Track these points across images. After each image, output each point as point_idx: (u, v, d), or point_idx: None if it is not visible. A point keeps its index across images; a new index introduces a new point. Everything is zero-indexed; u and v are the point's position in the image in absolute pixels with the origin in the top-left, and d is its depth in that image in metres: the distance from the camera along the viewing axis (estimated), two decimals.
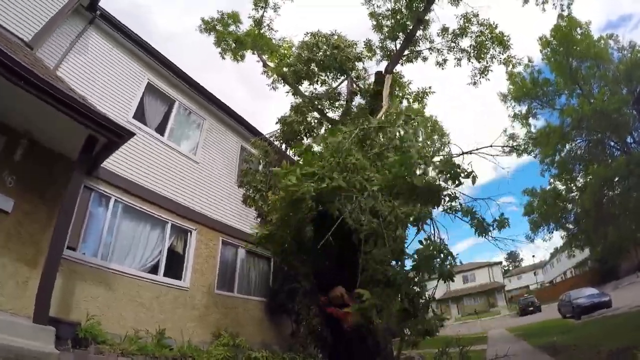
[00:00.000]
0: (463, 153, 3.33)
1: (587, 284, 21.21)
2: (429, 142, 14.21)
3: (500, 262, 54.69)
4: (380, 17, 11.28)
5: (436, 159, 12.03)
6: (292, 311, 8.96)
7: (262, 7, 11.83)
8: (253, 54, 11.99)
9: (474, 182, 3.66)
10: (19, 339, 3.38)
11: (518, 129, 19.36)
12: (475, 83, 12.00)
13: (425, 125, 14.22)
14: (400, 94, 13.13)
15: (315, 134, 7.92)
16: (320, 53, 8.87)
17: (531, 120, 19.10)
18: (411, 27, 10.69)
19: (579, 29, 16.38)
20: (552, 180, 19.04)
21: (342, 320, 2.64)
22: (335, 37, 9.29)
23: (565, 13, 11.53)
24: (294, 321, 9.07)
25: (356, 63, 9.68)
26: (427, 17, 10.86)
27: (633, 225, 14.22)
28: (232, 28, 11.97)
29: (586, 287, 17.34)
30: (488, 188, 16.19)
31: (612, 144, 17.14)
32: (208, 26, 12.00)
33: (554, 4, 11.39)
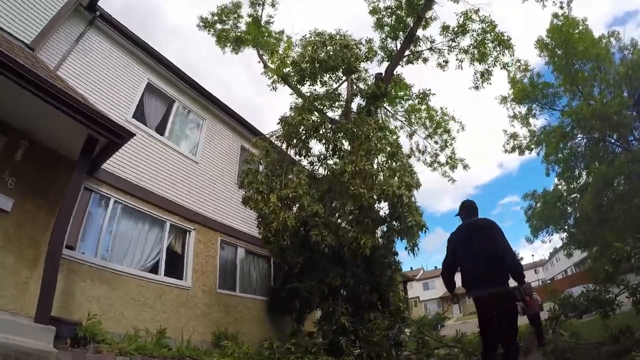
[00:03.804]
0: None
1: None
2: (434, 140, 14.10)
3: None
4: (381, 15, 11.24)
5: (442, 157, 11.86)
6: (293, 310, 8.99)
7: (260, 4, 11.86)
8: (254, 48, 12.01)
9: None
10: (19, 338, 3.40)
11: (518, 128, 19.34)
12: (477, 87, 11.98)
13: (432, 119, 14.01)
14: (402, 94, 13.14)
15: (317, 135, 7.90)
16: (324, 53, 8.83)
17: (531, 120, 19.09)
18: (412, 25, 10.67)
19: (576, 27, 16.26)
20: (557, 180, 19.05)
21: (529, 305, 3.72)
22: (338, 36, 9.26)
23: (565, 11, 11.43)
24: (294, 320, 9.09)
25: (362, 63, 9.65)
26: (427, 15, 10.84)
27: (632, 227, 14.16)
28: (232, 22, 11.98)
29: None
30: (490, 186, 16.24)
31: (613, 141, 17.07)
32: (206, 23, 12.05)
33: (553, 2, 11.34)
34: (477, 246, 3.50)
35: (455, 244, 3.76)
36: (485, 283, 3.38)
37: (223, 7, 12.09)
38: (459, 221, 3.95)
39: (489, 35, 10.95)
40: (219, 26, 12.15)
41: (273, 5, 12.17)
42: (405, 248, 6.55)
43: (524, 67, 12.04)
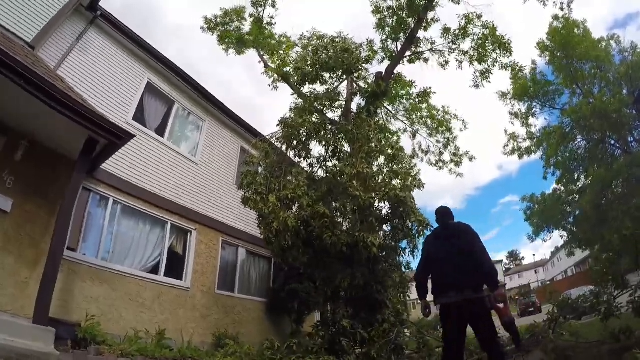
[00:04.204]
0: None
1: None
2: (436, 139, 14.01)
3: (501, 261, 54.92)
4: (383, 15, 11.23)
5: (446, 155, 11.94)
6: (292, 311, 8.99)
7: (261, 5, 11.88)
8: (255, 49, 12.06)
9: None
10: (19, 340, 3.39)
11: (518, 127, 19.33)
12: (477, 86, 11.99)
13: (433, 118, 13.93)
14: (403, 93, 13.15)
15: (317, 137, 7.89)
16: (325, 54, 8.84)
17: (531, 120, 19.08)
18: (413, 27, 10.68)
19: (576, 29, 16.32)
20: (555, 184, 19.03)
21: (501, 312, 3.55)
22: (338, 38, 9.26)
23: (566, 12, 11.44)
24: (293, 321, 9.09)
25: (363, 65, 9.65)
26: (428, 17, 10.86)
27: (632, 227, 14.17)
28: (235, 24, 12.05)
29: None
30: (490, 187, 16.21)
31: (613, 142, 17.11)
32: (210, 25, 12.09)
33: (554, 2, 11.34)
34: (451, 250, 3.42)
35: (430, 247, 3.75)
36: (460, 288, 3.26)
37: (227, 10, 12.16)
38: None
39: (489, 38, 10.97)
40: (221, 28, 12.19)
41: (274, 6, 12.19)
42: (405, 249, 6.56)
43: (521, 67, 12.06)
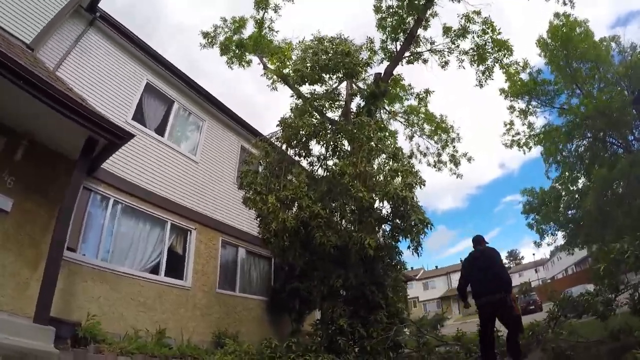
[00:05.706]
0: None
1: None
2: (435, 140, 14.04)
3: None
4: (384, 15, 11.20)
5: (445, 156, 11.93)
6: (292, 310, 9.00)
7: (262, 8, 11.85)
8: (255, 55, 12.04)
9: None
10: (19, 339, 3.41)
11: (519, 124, 19.18)
12: (481, 85, 11.99)
13: (431, 121, 13.90)
14: (402, 94, 13.16)
15: (317, 137, 7.89)
16: (324, 57, 8.83)
17: (531, 118, 18.98)
18: (412, 26, 10.68)
19: (577, 28, 16.30)
20: (553, 184, 18.92)
21: (515, 310, 4.53)
22: (338, 40, 9.24)
23: (568, 6, 11.31)
24: (294, 320, 9.11)
25: (364, 68, 9.62)
26: (428, 14, 10.85)
27: (633, 229, 14.12)
28: (236, 37, 12.03)
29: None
30: (492, 186, 16.14)
31: (613, 141, 17.08)
32: (210, 39, 12.02)
33: None
34: (481, 267, 4.86)
35: (467, 265, 5.24)
36: (488, 292, 4.61)
37: (226, 19, 12.09)
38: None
39: (488, 37, 10.98)
40: (222, 38, 12.12)
41: (276, 11, 12.15)
42: (408, 247, 6.56)
43: (522, 65, 12.08)
